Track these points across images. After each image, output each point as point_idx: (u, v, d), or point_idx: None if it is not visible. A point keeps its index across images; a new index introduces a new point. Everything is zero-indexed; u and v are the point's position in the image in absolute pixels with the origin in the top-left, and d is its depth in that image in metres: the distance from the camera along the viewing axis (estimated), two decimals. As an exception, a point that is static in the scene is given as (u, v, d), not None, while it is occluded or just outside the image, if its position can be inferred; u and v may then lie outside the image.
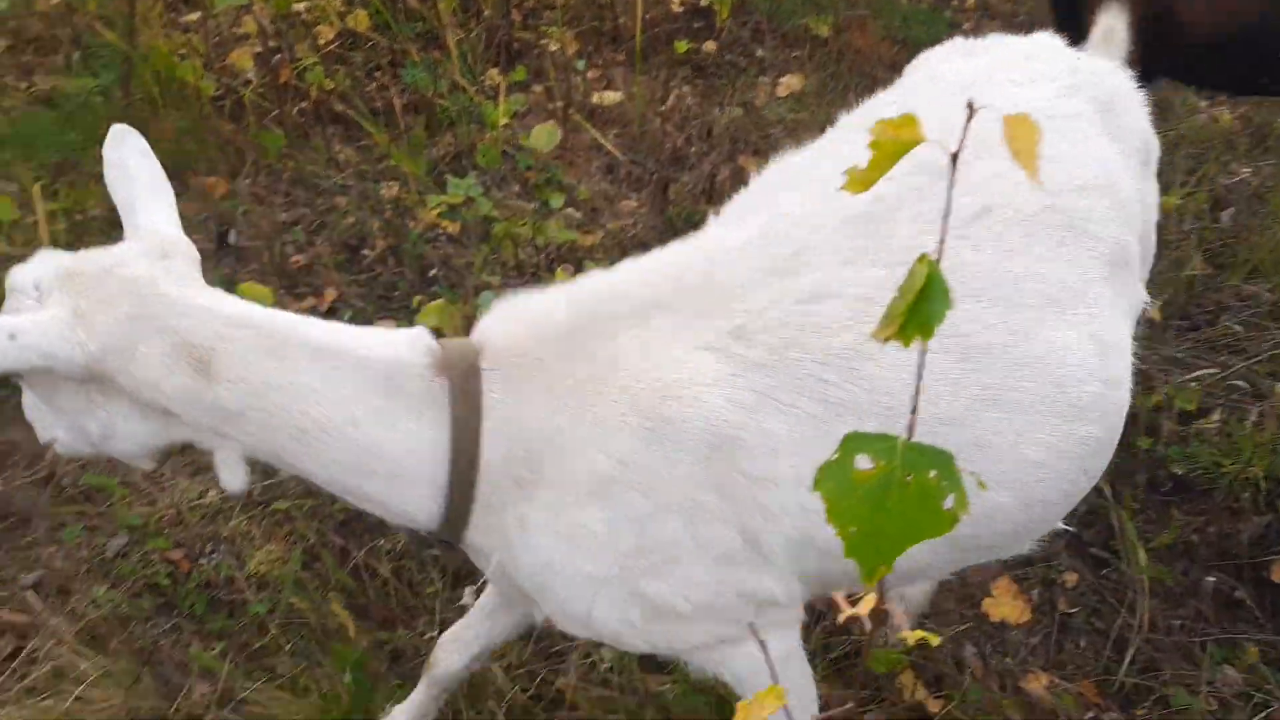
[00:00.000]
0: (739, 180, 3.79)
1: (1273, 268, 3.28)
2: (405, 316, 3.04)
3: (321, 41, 3.66)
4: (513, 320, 1.51)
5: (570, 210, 3.41)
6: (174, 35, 3.30)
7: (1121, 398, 1.66)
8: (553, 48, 3.91)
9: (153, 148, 1.54)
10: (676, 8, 4.23)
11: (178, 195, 1.56)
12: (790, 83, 4.11)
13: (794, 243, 1.54)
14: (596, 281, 1.57)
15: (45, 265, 1.40)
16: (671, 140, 3.70)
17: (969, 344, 1.51)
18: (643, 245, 3.58)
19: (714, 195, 3.67)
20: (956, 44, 1.98)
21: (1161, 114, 2.95)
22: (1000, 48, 1.92)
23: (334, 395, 1.40)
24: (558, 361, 1.45)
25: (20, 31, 3.85)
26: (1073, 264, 1.62)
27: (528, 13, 4.37)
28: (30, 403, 1.50)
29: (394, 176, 3.58)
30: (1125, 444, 1.92)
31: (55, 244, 2.01)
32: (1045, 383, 1.54)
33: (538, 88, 4.09)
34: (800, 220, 1.57)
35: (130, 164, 1.51)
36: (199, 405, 1.38)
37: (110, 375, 1.36)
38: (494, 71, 4.04)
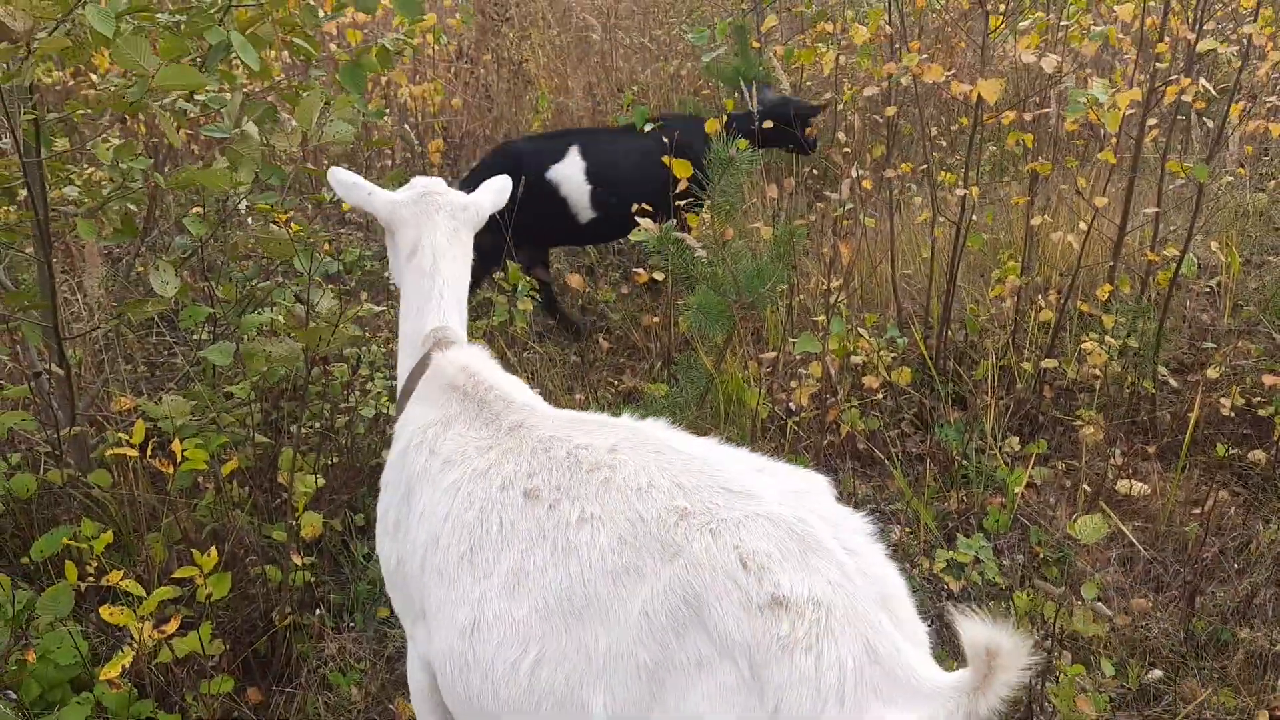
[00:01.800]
0: (1282, 608, 3.41)
1: None
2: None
3: (865, 388, 4.03)
4: (483, 366, 2.32)
5: (1099, 604, 3.24)
6: (750, 366, 3.86)
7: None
8: (1085, 430, 3.93)
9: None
10: (1226, 411, 4.07)
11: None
12: (1357, 513, 3.69)
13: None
14: (532, 410, 2.20)
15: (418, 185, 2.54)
16: (1208, 549, 3.47)
17: None
18: (1153, 650, 3.32)
19: (1248, 615, 3.33)
20: None
21: None
22: None
23: (412, 321, 2.45)
24: (458, 401, 2.26)
25: (624, 339, 4.74)
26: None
27: (1060, 391, 4.46)
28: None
29: (899, 521, 3.74)
30: None
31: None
32: None
33: (1058, 463, 4.10)
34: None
35: (504, 180, 2.68)
36: (398, 269, 2.53)
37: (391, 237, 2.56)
38: (1014, 439, 4.13)
